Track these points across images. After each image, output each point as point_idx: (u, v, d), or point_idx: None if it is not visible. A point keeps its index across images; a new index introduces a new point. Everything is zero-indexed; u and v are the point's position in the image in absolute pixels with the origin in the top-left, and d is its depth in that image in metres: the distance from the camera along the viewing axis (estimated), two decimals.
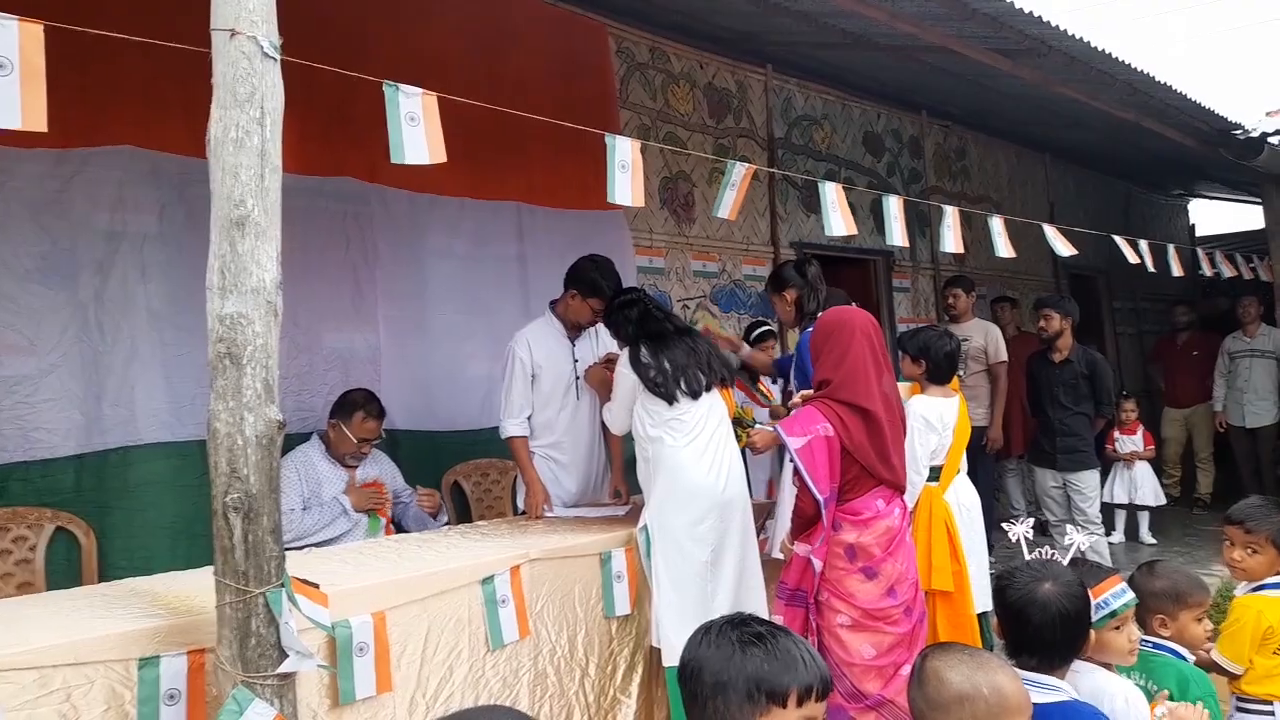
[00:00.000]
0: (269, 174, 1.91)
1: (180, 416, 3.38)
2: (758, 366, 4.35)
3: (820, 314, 3.39)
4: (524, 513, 3.57)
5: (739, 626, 1.44)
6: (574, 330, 3.71)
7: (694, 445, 3.14)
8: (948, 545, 3.67)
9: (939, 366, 3.81)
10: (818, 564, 2.89)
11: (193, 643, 1.94)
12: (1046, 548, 2.04)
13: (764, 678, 1.36)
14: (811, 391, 3.08)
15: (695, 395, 3.17)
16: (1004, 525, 2.34)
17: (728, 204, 3.25)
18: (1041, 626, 1.81)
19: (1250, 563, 2.65)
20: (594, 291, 3.57)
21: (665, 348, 3.19)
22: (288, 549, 2.93)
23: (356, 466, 3.58)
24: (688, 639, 1.51)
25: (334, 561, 2.64)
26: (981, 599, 3.67)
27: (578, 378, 3.68)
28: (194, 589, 2.18)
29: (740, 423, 3.45)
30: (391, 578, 2.40)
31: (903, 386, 4.01)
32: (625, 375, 3.23)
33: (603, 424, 3.65)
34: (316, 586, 2.02)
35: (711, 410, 3.23)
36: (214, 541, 1.83)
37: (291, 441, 3.65)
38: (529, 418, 3.63)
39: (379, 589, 2.32)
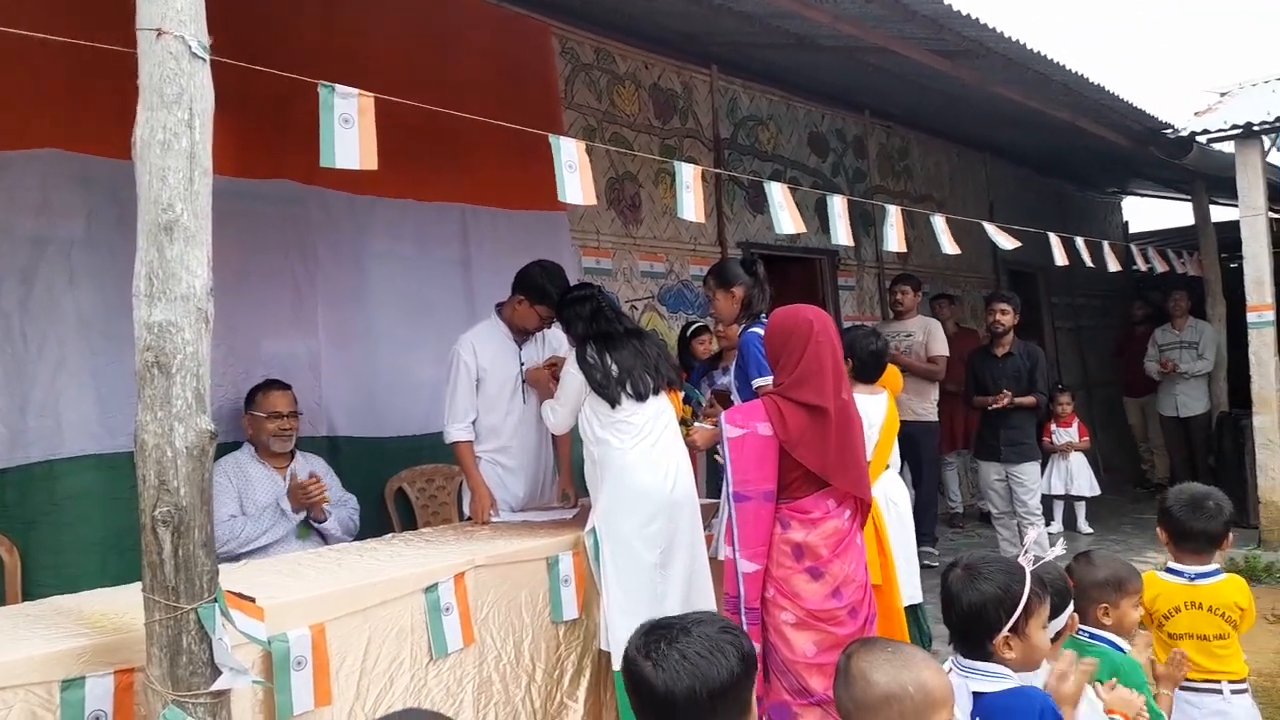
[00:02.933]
0: (199, 177, 1.86)
1: (110, 428, 3.27)
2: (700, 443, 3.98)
3: (770, 314, 3.38)
4: (470, 519, 3.53)
5: (698, 631, 1.43)
6: (520, 334, 3.69)
7: (640, 447, 3.14)
8: (874, 539, 3.71)
9: (865, 365, 3.87)
10: (747, 566, 2.88)
11: (121, 662, 1.88)
12: (1037, 553, 2.04)
13: (748, 654, 1.43)
14: (769, 381, 3.10)
15: (641, 398, 3.17)
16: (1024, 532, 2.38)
17: (689, 206, 3.24)
18: (956, 613, 1.86)
19: None
20: (541, 298, 3.54)
21: (613, 348, 3.19)
22: (228, 557, 2.87)
23: (288, 465, 3.52)
24: (629, 640, 1.49)
25: (271, 573, 2.58)
26: (910, 592, 3.73)
27: (524, 381, 3.65)
28: (123, 606, 2.11)
29: (682, 421, 3.46)
30: (331, 589, 2.36)
31: None
32: (572, 375, 3.21)
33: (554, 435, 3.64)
34: (252, 600, 1.97)
35: (659, 413, 3.23)
36: (142, 556, 1.78)
37: (227, 451, 3.57)
38: (474, 422, 3.59)
39: (318, 601, 2.28)
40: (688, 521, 3.18)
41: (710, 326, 5.10)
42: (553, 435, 3.69)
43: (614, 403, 3.14)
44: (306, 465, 3.59)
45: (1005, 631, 1.80)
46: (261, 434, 3.47)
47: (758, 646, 2.88)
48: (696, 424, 3.58)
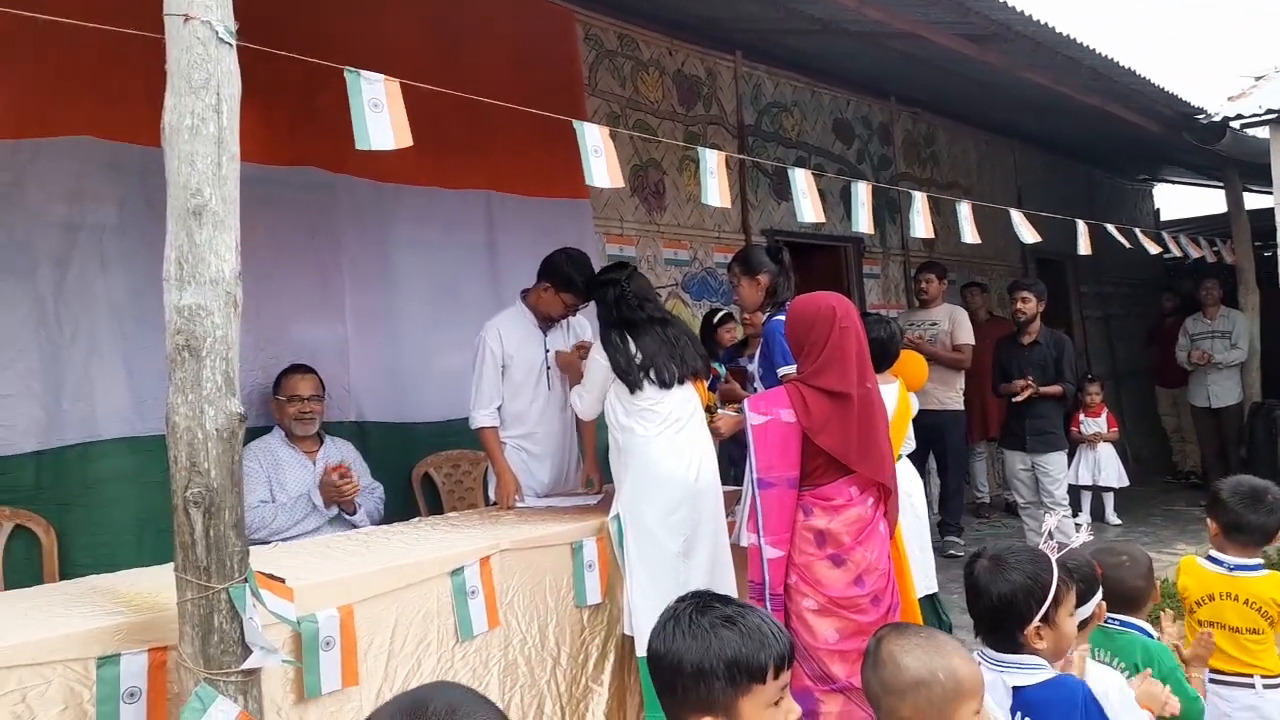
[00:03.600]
0: (226, 162, 1.87)
1: (142, 411, 3.32)
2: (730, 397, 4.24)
3: (792, 301, 3.37)
4: (495, 504, 3.55)
5: (705, 611, 1.45)
6: (546, 321, 3.69)
7: (665, 435, 3.12)
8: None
9: (872, 353, 3.83)
10: (772, 552, 2.89)
11: (155, 640, 1.91)
12: (1061, 539, 2.02)
13: (743, 659, 1.40)
14: (795, 369, 3.09)
15: (665, 385, 3.15)
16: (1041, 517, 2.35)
17: (714, 191, 3.24)
18: (985, 605, 1.84)
19: None
20: (567, 286, 3.54)
21: (636, 334, 3.17)
22: (256, 543, 2.91)
23: (318, 449, 3.55)
24: (652, 629, 1.51)
25: (301, 555, 2.62)
26: (924, 582, 3.72)
27: (549, 368, 3.66)
28: (156, 586, 2.14)
29: (706, 409, 3.42)
30: (358, 571, 2.38)
31: None
32: (597, 360, 3.21)
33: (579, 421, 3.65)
34: (282, 581, 2.00)
35: (684, 401, 3.21)
36: (174, 537, 1.81)
37: (255, 435, 3.61)
38: (499, 408, 3.60)
39: (346, 583, 2.30)
40: (711, 509, 3.17)
41: (735, 315, 5.09)
42: (577, 421, 3.70)
43: (635, 387, 3.12)
44: (336, 450, 3.63)
45: (1036, 621, 1.78)
46: (284, 418, 3.52)
47: None
48: (720, 411, 3.57)
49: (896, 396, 3.89)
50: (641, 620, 2.96)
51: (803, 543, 2.92)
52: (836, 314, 2.97)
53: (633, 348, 3.16)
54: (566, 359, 3.63)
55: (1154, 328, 9.15)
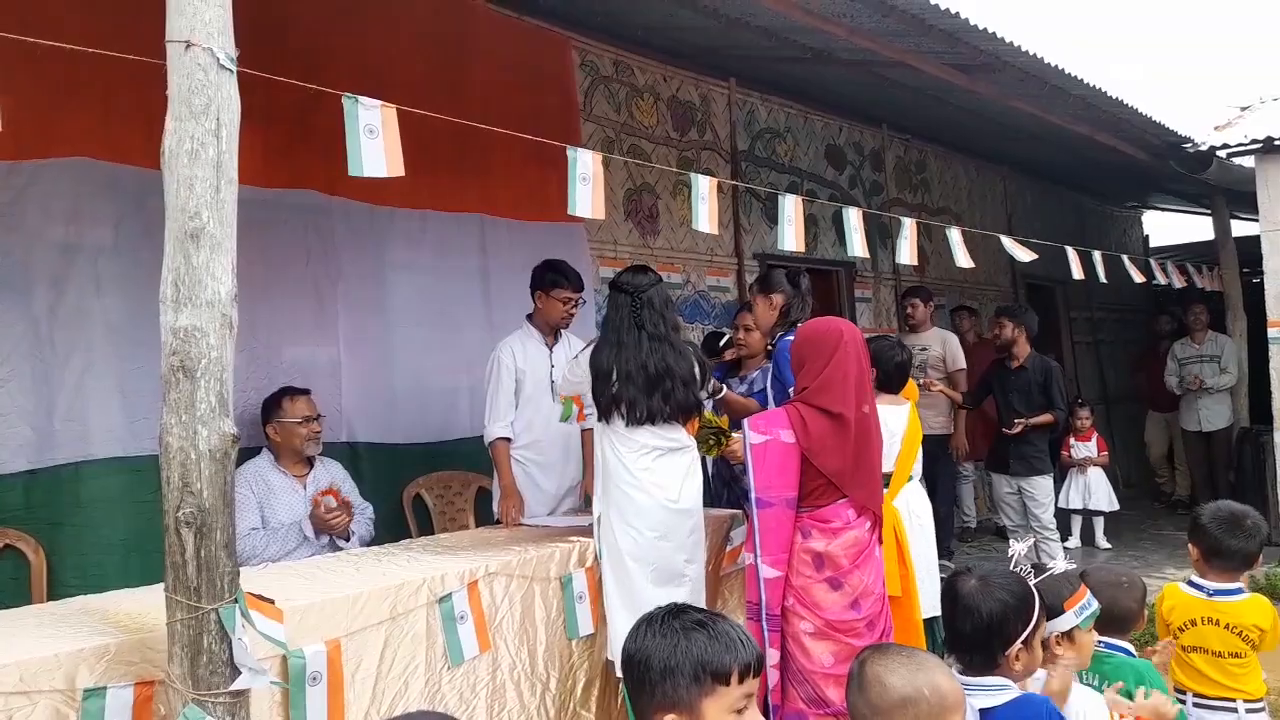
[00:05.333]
0: (224, 186, 1.90)
1: (135, 431, 3.33)
2: (736, 409, 4.30)
3: (802, 323, 3.39)
4: (499, 520, 3.57)
5: (679, 615, 1.53)
6: (551, 336, 3.81)
7: (642, 461, 3.04)
8: (895, 551, 3.74)
9: (890, 376, 3.95)
10: (769, 572, 2.89)
11: (141, 663, 1.91)
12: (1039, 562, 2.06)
13: (708, 659, 1.46)
14: None
15: (636, 423, 3.03)
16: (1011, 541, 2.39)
17: (704, 217, 3.28)
18: (973, 624, 1.87)
19: None
20: (554, 283, 3.69)
21: (624, 367, 3.03)
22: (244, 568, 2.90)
23: (308, 472, 3.54)
24: (628, 631, 1.59)
25: (291, 577, 2.61)
26: (930, 605, 3.73)
27: (554, 381, 3.72)
28: (145, 606, 2.15)
29: (720, 430, 3.35)
30: (348, 593, 2.38)
31: None
32: (582, 371, 3.12)
33: (583, 430, 3.73)
34: (271, 602, 2.00)
35: (668, 432, 3.10)
36: (165, 557, 1.82)
37: (249, 456, 3.61)
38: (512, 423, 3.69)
39: (335, 604, 2.30)
40: (690, 541, 3.10)
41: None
42: (582, 437, 3.76)
43: (604, 418, 3.05)
44: (327, 473, 3.62)
45: (1019, 643, 1.80)
46: (293, 440, 3.48)
47: (776, 654, 2.90)
48: (736, 434, 3.50)
49: (907, 418, 3.95)
50: (620, 644, 2.93)
51: (801, 565, 2.93)
52: (844, 336, 3.02)
53: (613, 377, 3.02)
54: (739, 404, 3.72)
55: (1145, 351, 9.19)
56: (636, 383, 3.03)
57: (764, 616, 2.92)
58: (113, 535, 3.28)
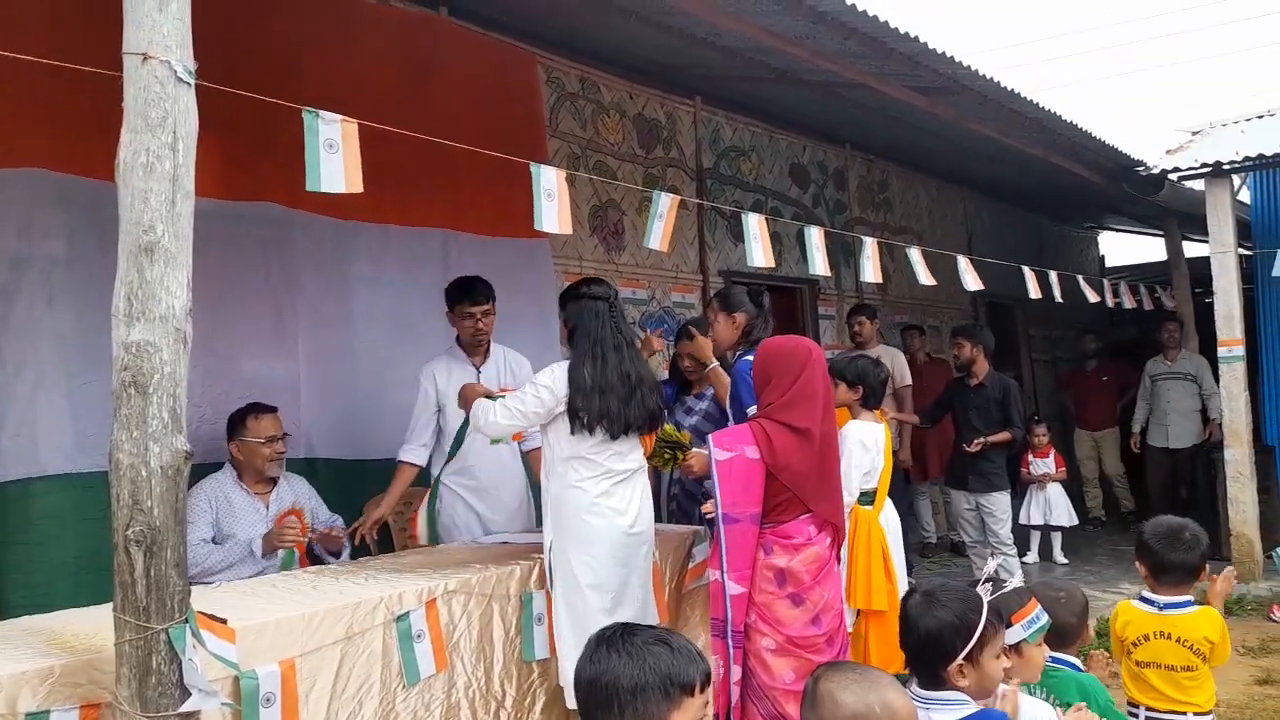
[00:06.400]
0: (180, 199, 1.88)
1: (85, 448, 3.25)
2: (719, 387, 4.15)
3: (766, 339, 3.39)
4: (430, 543, 3.52)
5: (635, 634, 1.55)
6: (480, 355, 3.70)
7: (602, 485, 2.95)
8: (883, 566, 3.81)
9: (873, 393, 4.05)
10: (735, 589, 2.89)
11: (89, 682, 1.87)
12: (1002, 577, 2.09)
13: (675, 672, 1.50)
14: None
15: (614, 437, 2.96)
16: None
17: (657, 234, 3.30)
18: (913, 639, 1.89)
19: None
20: (455, 300, 3.61)
21: (608, 378, 2.94)
22: (192, 584, 2.86)
23: (271, 490, 3.49)
24: (579, 658, 1.58)
25: (246, 596, 2.57)
26: None
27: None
28: (93, 626, 2.10)
29: (678, 444, 3.31)
30: (303, 612, 2.35)
31: None
32: (548, 388, 2.94)
33: (524, 453, 3.65)
34: (224, 621, 1.97)
35: (629, 451, 3.04)
36: (114, 576, 1.78)
37: (204, 471, 3.55)
38: (434, 447, 3.62)
39: (290, 623, 2.27)
40: (642, 566, 3.03)
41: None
42: (524, 456, 3.69)
43: (582, 432, 2.93)
44: (291, 491, 3.56)
45: (960, 660, 1.82)
46: (255, 459, 3.41)
47: (739, 670, 2.90)
48: (696, 450, 3.39)
49: (884, 436, 4.03)
50: (571, 672, 2.83)
51: (763, 581, 2.93)
52: (812, 354, 3.06)
53: (596, 392, 2.92)
54: (471, 392, 3.28)
55: (1073, 370, 9.01)
56: (619, 393, 2.96)
57: (729, 632, 2.92)
58: (62, 554, 3.20)
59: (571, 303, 3.11)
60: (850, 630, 3.82)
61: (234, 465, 3.48)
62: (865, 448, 3.89)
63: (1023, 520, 6.75)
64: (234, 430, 3.46)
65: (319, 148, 2.25)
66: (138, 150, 1.83)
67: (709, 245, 6.22)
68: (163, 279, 1.83)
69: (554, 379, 2.95)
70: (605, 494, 2.96)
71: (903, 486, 6.40)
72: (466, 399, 3.25)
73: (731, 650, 2.93)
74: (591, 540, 2.92)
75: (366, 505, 3.67)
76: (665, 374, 5.24)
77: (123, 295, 1.82)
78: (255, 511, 3.43)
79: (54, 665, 1.89)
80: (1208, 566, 2.72)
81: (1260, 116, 7.26)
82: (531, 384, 3.01)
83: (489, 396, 3.16)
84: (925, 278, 4.76)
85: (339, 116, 2.28)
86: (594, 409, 2.91)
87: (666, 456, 3.30)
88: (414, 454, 3.62)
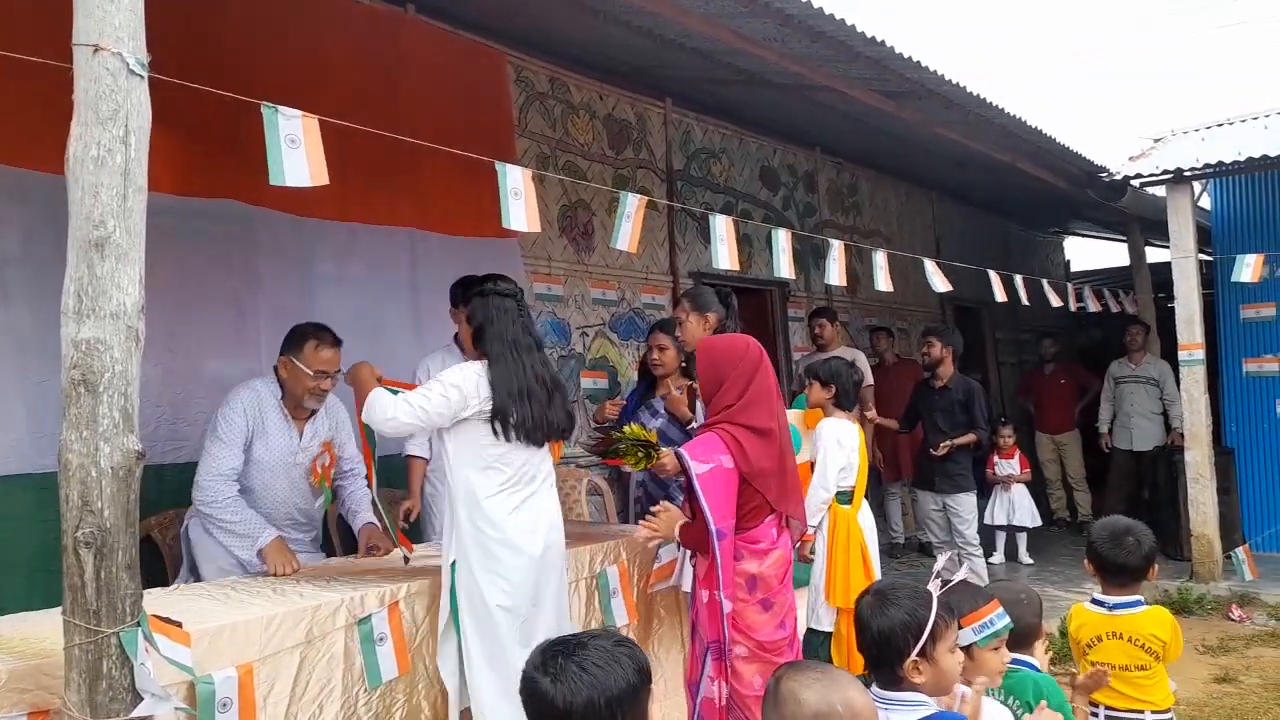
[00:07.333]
0: (132, 194, 1.85)
1: (41, 447, 3.19)
2: (677, 412, 4.26)
3: (702, 340, 3.34)
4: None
5: (585, 648, 1.46)
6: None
7: (511, 496, 2.73)
8: (862, 565, 3.85)
9: (846, 393, 4.11)
10: (729, 605, 2.81)
11: (37, 688, 1.83)
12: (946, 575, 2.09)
13: (641, 662, 1.47)
14: None
15: (534, 444, 2.78)
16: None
17: (625, 235, 3.30)
18: (867, 639, 1.91)
19: None
20: (456, 298, 3.46)
21: (527, 381, 2.75)
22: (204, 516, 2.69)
23: (308, 419, 3.24)
24: (539, 686, 1.42)
25: (204, 599, 2.53)
26: None
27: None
28: (42, 630, 2.06)
29: (649, 444, 3.26)
30: (262, 615, 2.31)
31: (795, 414, 4.16)
32: (460, 388, 2.65)
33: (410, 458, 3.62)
34: (179, 625, 1.94)
35: (540, 460, 2.84)
36: (64, 579, 1.74)
37: (168, 471, 3.50)
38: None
39: (248, 627, 2.24)
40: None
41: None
42: (409, 463, 3.67)
43: (503, 438, 2.70)
44: (328, 422, 3.30)
45: (914, 656, 1.83)
46: (296, 387, 3.12)
47: (726, 688, 2.85)
48: (666, 448, 3.33)
49: (858, 436, 4.08)
50: (487, 710, 2.63)
51: (735, 589, 2.86)
52: (761, 352, 3.03)
53: (518, 395, 2.71)
54: (366, 374, 2.86)
55: (1033, 372, 8.95)
56: (539, 397, 2.77)
57: (727, 653, 2.81)
58: (16, 555, 3.15)
59: (477, 299, 2.84)
60: (830, 630, 3.85)
61: (279, 381, 3.21)
62: (840, 445, 3.95)
63: (987, 520, 6.82)
64: (288, 345, 3.16)
65: (280, 143, 2.22)
66: (88, 144, 1.80)
67: (679, 247, 6.22)
68: (114, 275, 1.79)
69: (465, 379, 2.68)
70: (515, 507, 2.73)
71: (875, 486, 6.47)
72: (359, 381, 2.82)
73: (728, 667, 2.82)
74: (500, 560, 2.68)
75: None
76: (635, 375, 5.26)
77: (72, 292, 1.78)
78: (287, 439, 3.20)
79: (1, 670, 1.84)
80: (1155, 567, 2.76)
81: (1220, 124, 7.39)
82: (439, 382, 2.70)
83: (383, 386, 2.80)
84: (884, 283, 4.83)
85: (298, 112, 2.25)
86: (522, 413, 2.70)
87: (639, 455, 3.26)
88: (419, 447, 3.60)
